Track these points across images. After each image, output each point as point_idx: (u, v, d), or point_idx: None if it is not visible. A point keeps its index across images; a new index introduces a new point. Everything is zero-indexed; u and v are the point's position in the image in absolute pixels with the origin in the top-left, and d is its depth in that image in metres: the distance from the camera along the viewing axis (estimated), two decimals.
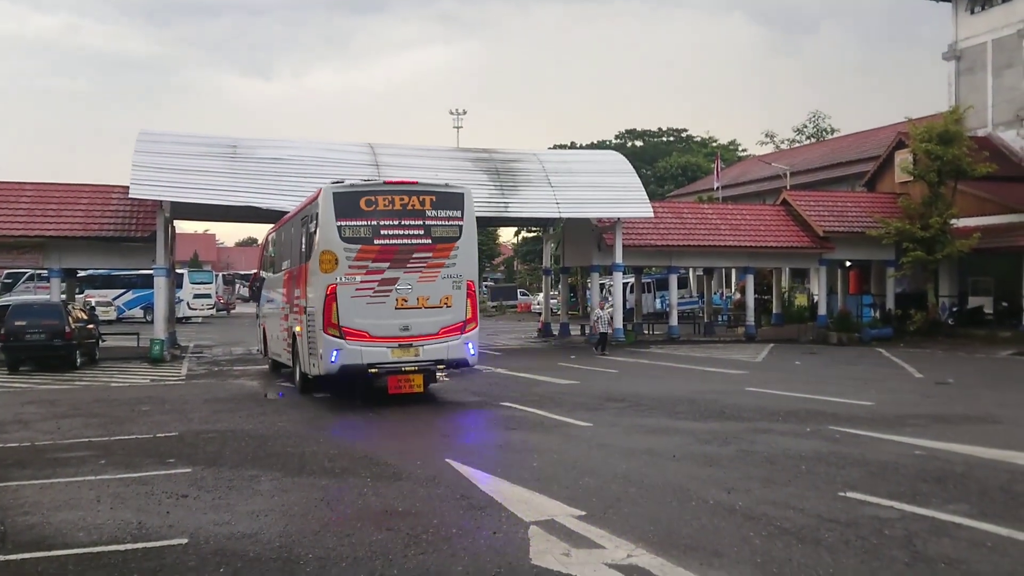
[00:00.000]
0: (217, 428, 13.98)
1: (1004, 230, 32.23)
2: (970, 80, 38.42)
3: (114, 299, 54.94)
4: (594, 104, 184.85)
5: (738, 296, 46.31)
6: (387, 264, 16.06)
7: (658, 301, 51.69)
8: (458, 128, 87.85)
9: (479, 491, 8.97)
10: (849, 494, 8.53)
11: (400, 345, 16.09)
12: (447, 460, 10.66)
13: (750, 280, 36.58)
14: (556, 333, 38.21)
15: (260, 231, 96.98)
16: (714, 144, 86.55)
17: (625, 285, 46.92)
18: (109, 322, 48.46)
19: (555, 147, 72.20)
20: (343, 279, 15.89)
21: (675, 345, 32.26)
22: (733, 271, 52.64)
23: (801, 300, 44.56)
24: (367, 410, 15.75)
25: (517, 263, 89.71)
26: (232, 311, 68.73)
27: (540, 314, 41.45)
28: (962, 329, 33.26)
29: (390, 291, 16.04)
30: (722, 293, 53.91)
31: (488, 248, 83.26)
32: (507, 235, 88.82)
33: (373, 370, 16.05)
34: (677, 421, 13.82)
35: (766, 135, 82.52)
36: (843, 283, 41.00)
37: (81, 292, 56.26)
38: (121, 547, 7.20)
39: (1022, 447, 10.91)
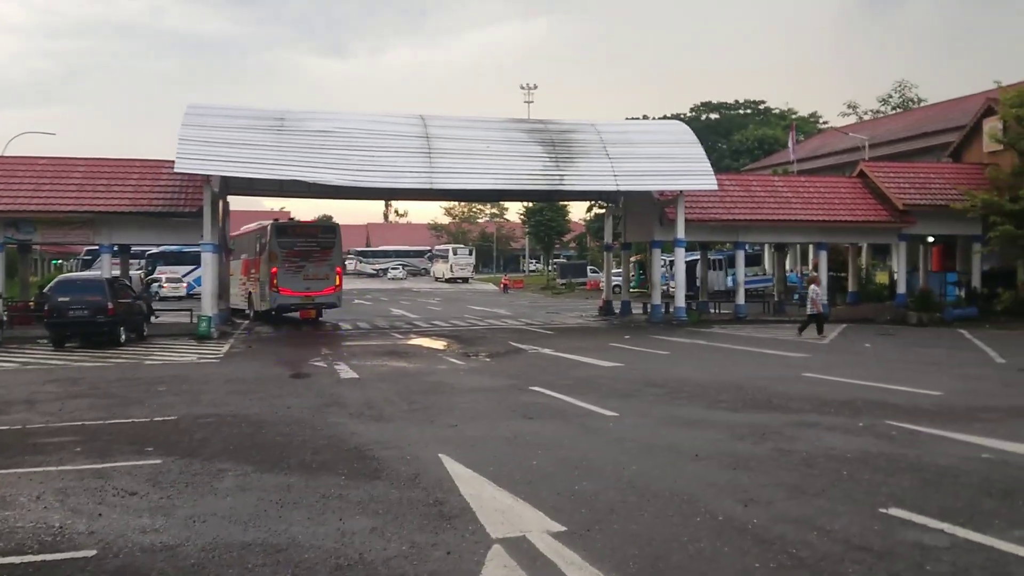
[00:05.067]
0: (220, 412, 13.13)
1: None
2: None
3: (184, 275, 55.05)
4: (670, 77, 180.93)
5: (812, 273, 44.06)
6: (299, 259, 31.59)
7: (729, 279, 49.66)
8: (529, 103, 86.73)
9: (457, 496, 7.79)
10: (892, 511, 7.07)
11: (305, 296, 31.80)
12: (440, 455, 9.51)
13: (823, 256, 34.53)
14: (618, 311, 36.78)
15: (328, 207, 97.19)
16: (793, 116, 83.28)
17: (693, 263, 45.12)
18: (179, 298, 48.63)
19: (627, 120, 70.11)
20: (279, 266, 31.32)
21: (740, 325, 30.56)
22: (810, 247, 50.32)
23: (882, 278, 42.18)
24: (391, 395, 14.74)
25: (589, 239, 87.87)
26: None
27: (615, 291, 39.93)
28: None
29: (301, 270, 31.54)
30: (799, 270, 51.59)
31: (557, 224, 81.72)
32: (579, 211, 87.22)
33: (293, 305, 31.97)
34: (715, 412, 12.41)
35: (848, 106, 79.14)
36: (926, 260, 38.53)
37: (153, 269, 56.99)
38: (18, 559, 6.23)
39: None
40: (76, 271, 52.63)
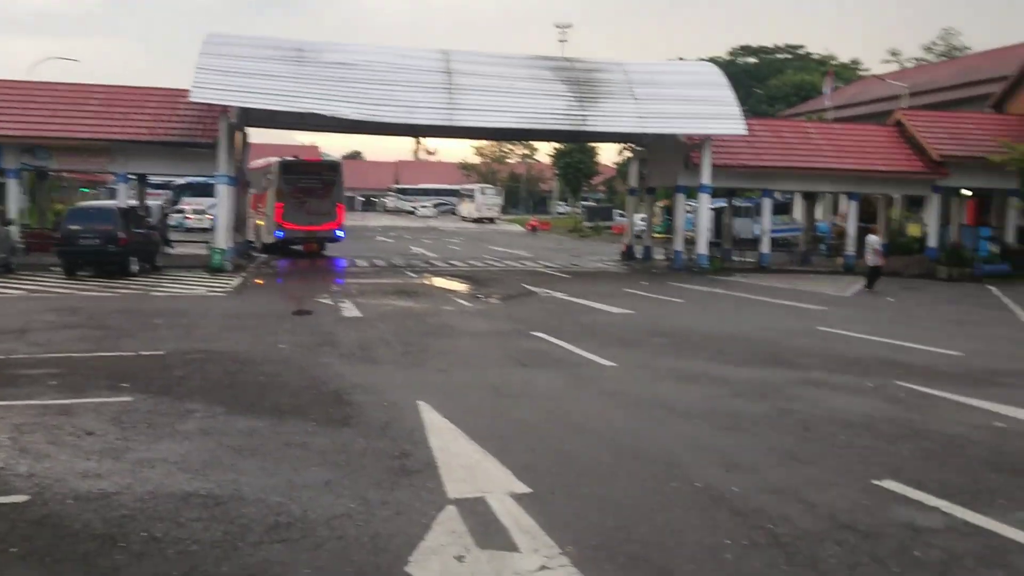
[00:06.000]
0: (210, 348, 12.77)
1: None
2: None
3: (210, 207, 54.66)
4: (708, 20, 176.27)
5: (841, 224, 42.99)
6: (303, 195, 32.68)
7: (756, 227, 48.62)
8: (563, 42, 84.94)
9: (424, 448, 7.34)
10: (886, 483, 6.51)
11: (308, 230, 32.92)
12: (419, 401, 9.07)
13: (853, 207, 33.54)
14: (640, 256, 36.11)
15: (358, 143, 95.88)
16: (833, 62, 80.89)
17: (720, 209, 44.12)
18: (204, 230, 48.30)
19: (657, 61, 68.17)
20: (284, 201, 32.43)
21: (762, 275, 29.79)
22: (842, 197, 49.10)
23: (914, 231, 40.98)
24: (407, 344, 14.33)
25: (618, 183, 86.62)
26: None
27: (638, 235, 39.22)
28: None
29: (304, 206, 32.54)
30: (830, 220, 50.43)
31: (586, 167, 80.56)
32: (610, 154, 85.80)
33: (296, 238, 33.19)
34: (719, 365, 11.84)
35: (891, 53, 76.69)
36: (960, 213, 37.37)
37: (178, 199, 56.91)
38: None
39: None
40: (104, 200, 52.67)
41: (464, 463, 6.92)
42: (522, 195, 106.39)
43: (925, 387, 10.32)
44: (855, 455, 7.35)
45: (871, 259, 24.50)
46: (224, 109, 27.26)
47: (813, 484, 6.51)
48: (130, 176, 30.24)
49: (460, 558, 4.99)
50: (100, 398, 9.26)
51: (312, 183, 33.48)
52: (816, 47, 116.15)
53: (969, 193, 35.71)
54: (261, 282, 24.70)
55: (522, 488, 6.27)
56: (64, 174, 41.89)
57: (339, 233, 34.14)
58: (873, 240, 24.86)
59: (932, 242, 33.33)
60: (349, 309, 17.94)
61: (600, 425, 8.27)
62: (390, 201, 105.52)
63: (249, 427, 8.08)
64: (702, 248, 31.42)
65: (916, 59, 72.63)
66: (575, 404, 9.26)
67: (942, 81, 47.44)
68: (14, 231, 26.53)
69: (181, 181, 55.62)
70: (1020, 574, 4.92)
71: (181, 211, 52.92)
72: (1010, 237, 32.69)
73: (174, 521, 5.56)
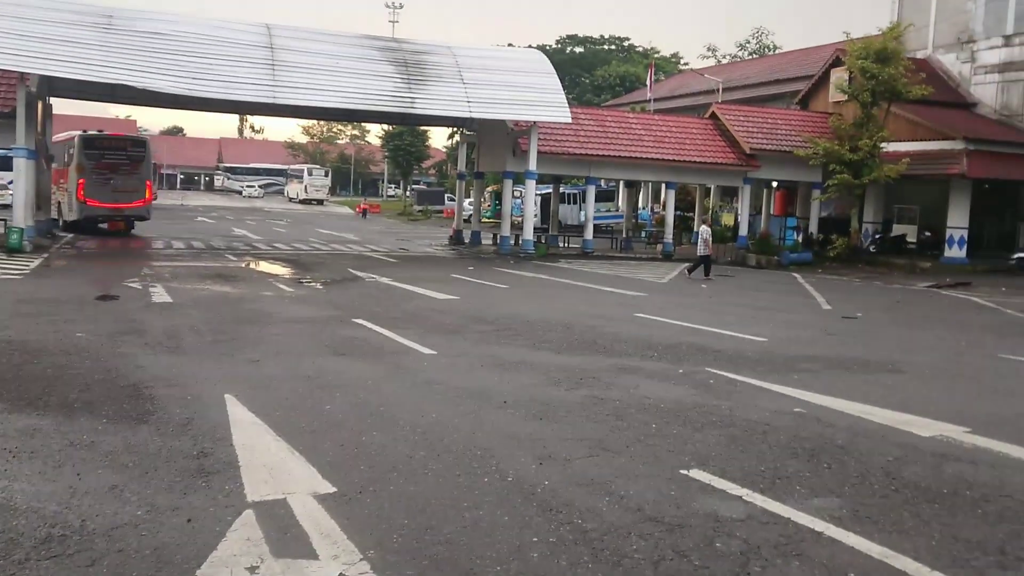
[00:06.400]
0: None
1: (934, 156, 30.69)
2: None
3: (9, 182, 50.61)
4: (539, 6, 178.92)
5: (661, 212, 44.61)
6: (108, 170, 31.58)
7: (582, 214, 49.79)
8: (394, 23, 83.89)
9: (227, 446, 6.92)
10: (693, 473, 6.63)
11: (113, 208, 31.82)
12: (227, 395, 8.59)
13: (671, 196, 34.81)
14: (468, 241, 36.15)
15: (179, 119, 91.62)
16: (656, 55, 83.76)
17: (547, 196, 44.90)
18: (4, 207, 44.75)
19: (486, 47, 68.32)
20: (86, 177, 31.11)
21: (586, 260, 30.45)
22: (663, 186, 50.93)
23: (727, 220, 43.08)
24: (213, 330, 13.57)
25: (449, 167, 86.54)
26: None
27: (467, 220, 39.13)
28: (883, 257, 31.98)
29: (109, 182, 31.48)
30: (651, 208, 52.33)
31: (417, 150, 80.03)
32: (441, 137, 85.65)
33: (101, 216, 31.96)
34: (538, 352, 11.87)
35: (708, 49, 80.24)
36: (769, 204, 39.54)
37: None
38: None
39: (919, 409, 9.12)
40: None
41: (268, 462, 6.54)
42: (352, 177, 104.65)
43: (733, 373, 10.68)
44: (664, 444, 7.45)
45: (701, 249, 25.48)
46: (22, 76, 25.24)
47: (623, 475, 6.54)
48: None
49: (253, 569, 4.66)
50: None
51: (117, 159, 32.33)
52: (640, 39, 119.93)
53: (776, 184, 37.79)
54: (63, 263, 23.07)
55: (327, 488, 5.98)
56: None
57: (147, 211, 33.42)
58: (704, 231, 25.93)
59: (743, 231, 35.06)
60: (160, 294, 16.96)
61: (415, 417, 8.06)
62: (220, 180, 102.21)
63: (30, 426, 7.38)
64: (528, 234, 31.80)
65: (731, 55, 76.27)
66: (391, 396, 9.01)
67: (754, 77, 50.02)
68: None
69: None
70: (814, 562, 5.04)
71: None
72: (813, 227, 34.77)
73: None
